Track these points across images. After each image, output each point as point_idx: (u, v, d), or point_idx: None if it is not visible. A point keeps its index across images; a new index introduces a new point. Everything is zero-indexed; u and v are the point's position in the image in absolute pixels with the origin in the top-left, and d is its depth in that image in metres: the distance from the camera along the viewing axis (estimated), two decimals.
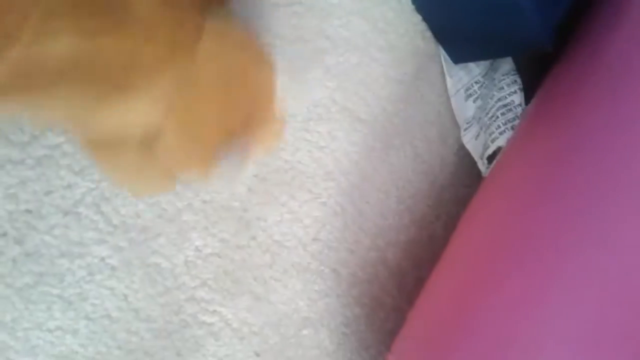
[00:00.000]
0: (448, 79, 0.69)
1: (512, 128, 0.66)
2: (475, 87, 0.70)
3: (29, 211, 0.48)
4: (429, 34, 0.67)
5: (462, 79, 0.70)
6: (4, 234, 0.47)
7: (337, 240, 0.64)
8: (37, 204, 0.48)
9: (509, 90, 0.68)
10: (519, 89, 0.67)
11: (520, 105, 0.67)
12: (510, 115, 0.67)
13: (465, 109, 0.71)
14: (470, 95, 0.70)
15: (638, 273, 0.40)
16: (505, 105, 0.67)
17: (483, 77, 0.71)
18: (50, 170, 0.48)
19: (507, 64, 0.69)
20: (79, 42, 0.36)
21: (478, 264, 0.48)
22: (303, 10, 0.59)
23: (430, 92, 0.69)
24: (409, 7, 0.66)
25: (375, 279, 0.68)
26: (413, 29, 0.66)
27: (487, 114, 0.68)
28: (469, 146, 0.71)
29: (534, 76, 0.67)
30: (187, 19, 0.41)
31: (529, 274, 0.43)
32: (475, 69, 0.71)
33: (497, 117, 0.67)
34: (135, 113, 0.40)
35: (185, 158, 0.43)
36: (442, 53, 0.69)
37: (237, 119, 0.43)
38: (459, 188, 0.72)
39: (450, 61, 0.69)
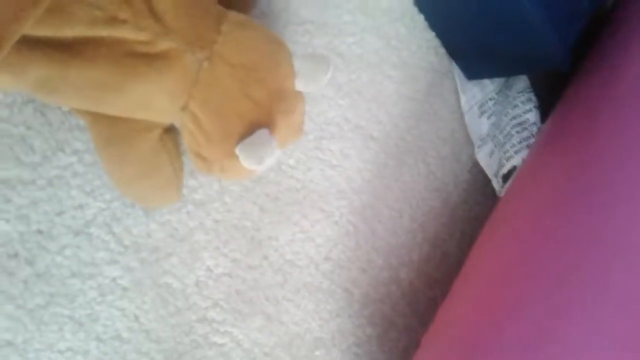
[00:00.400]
0: (461, 95, 0.69)
1: (528, 147, 0.66)
2: (490, 103, 0.70)
3: (40, 232, 0.47)
4: (442, 50, 0.67)
5: (475, 95, 0.70)
6: (15, 255, 0.47)
7: (349, 259, 0.63)
8: (49, 224, 0.47)
9: (524, 108, 0.67)
10: (535, 107, 0.67)
11: (535, 123, 0.66)
12: (525, 134, 0.66)
13: (479, 126, 0.70)
14: (484, 112, 0.70)
15: None
16: (520, 124, 0.67)
17: (497, 94, 0.70)
18: (62, 190, 0.48)
19: (521, 82, 0.69)
20: (98, 26, 0.37)
21: (497, 290, 0.47)
22: (314, 28, 0.59)
23: (444, 109, 0.69)
24: (422, 24, 0.65)
25: (387, 299, 0.67)
26: (426, 46, 0.66)
27: (502, 131, 0.68)
28: (483, 164, 0.70)
29: (550, 94, 0.66)
30: (207, 15, 0.42)
31: (552, 302, 0.41)
32: (490, 86, 0.70)
33: (512, 135, 0.66)
34: (155, 102, 0.41)
35: (208, 148, 0.43)
36: (456, 69, 0.68)
37: (258, 113, 0.43)
38: (473, 206, 0.72)
39: (463, 77, 0.69)
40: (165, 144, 0.46)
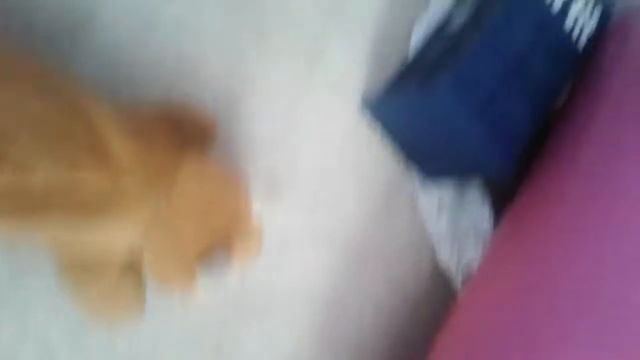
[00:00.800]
0: (421, 195, 0.71)
1: (484, 246, 0.68)
2: (447, 199, 0.72)
3: None
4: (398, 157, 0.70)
5: (434, 196, 0.72)
6: None
7: None
8: None
9: (478, 211, 0.70)
10: (488, 209, 0.70)
11: (489, 225, 0.69)
12: (481, 235, 0.69)
13: (438, 229, 0.72)
14: (442, 209, 0.72)
15: None
16: (475, 227, 0.69)
17: (455, 191, 0.73)
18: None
19: (475, 190, 0.72)
20: (59, 172, 0.39)
21: None
22: (269, 146, 0.62)
23: (404, 211, 0.71)
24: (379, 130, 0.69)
25: None
26: (384, 152, 0.69)
27: (459, 231, 0.70)
28: (443, 264, 0.72)
29: (504, 194, 0.69)
30: (165, 156, 0.45)
31: None
32: (448, 190, 0.73)
33: (469, 236, 0.69)
34: (117, 236, 0.42)
35: (168, 273, 0.45)
36: (414, 173, 0.71)
37: (215, 236, 0.45)
38: (435, 305, 0.73)
39: (421, 180, 0.71)
40: (129, 267, 0.47)
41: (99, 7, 0.51)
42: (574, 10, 0.68)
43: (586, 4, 0.69)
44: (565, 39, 0.66)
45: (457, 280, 0.70)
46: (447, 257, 0.71)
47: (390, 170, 0.70)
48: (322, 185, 0.64)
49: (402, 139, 0.68)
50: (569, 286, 0.46)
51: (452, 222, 0.71)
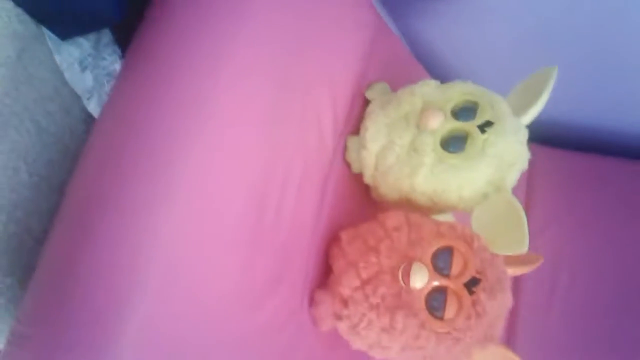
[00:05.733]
0: (56, 55, 0.73)
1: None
2: (89, 59, 0.76)
3: None
4: (27, 17, 0.70)
5: (72, 53, 0.75)
6: None
7: None
8: None
9: (110, 60, 0.76)
10: (119, 57, 0.76)
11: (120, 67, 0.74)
12: (113, 82, 0.72)
13: (83, 81, 0.76)
14: (85, 68, 0.76)
15: None
16: (109, 74, 0.75)
17: (93, 49, 0.76)
18: None
19: (106, 36, 0.77)
20: None
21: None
22: None
23: (41, 70, 0.72)
24: None
25: (22, 249, 0.71)
26: (7, 15, 0.68)
27: (99, 82, 0.75)
28: (95, 113, 0.77)
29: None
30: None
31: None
32: (86, 43, 0.76)
33: (104, 84, 0.75)
34: None
35: None
36: (47, 32, 0.72)
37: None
38: None
39: (55, 38, 0.73)
40: None
41: None
42: None
43: None
44: None
45: None
46: (96, 107, 0.76)
47: (19, 32, 0.69)
48: None
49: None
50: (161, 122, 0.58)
51: (95, 78, 0.76)
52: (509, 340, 0.99)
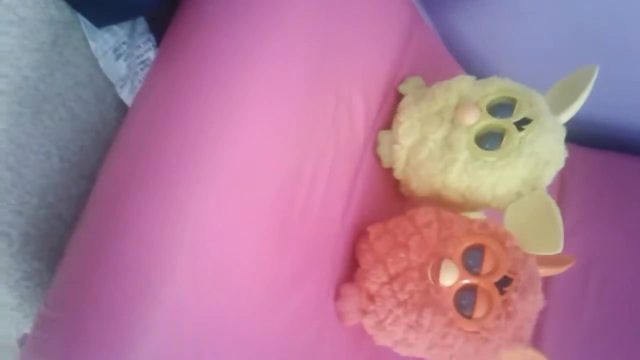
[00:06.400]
0: (91, 42, 0.73)
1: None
2: (124, 47, 0.76)
3: None
4: (62, 3, 0.70)
5: (107, 41, 0.75)
6: None
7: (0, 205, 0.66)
8: None
9: (145, 48, 0.75)
10: (153, 46, 0.75)
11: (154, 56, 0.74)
12: (147, 70, 0.73)
13: (117, 69, 0.76)
14: (120, 56, 0.76)
15: None
16: (143, 62, 0.75)
17: (128, 37, 0.76)
18: None
19: (142, 25, 0.76)
20: None
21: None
22: None
23: (76, 56, 0.72)
24: None
25: (51, 233, 0.71)
26: (44, 0, 0.67)
27: (132, 70, 0.75)
28: (128, 101, 0.77)
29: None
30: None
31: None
32: (121, 31, 0.76)
33: (137, 72, 0.75)
34: None
35: None
36: (82, 19, 0.72)
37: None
38: None
39: (91, 26, 0.73)
40: None
41: None
42: None
43: None
44: None
45: None
46: (129, 94, 0.76)
47: (55, 18, 0.69)
48: None
49: None
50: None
51: (129, 66, 0.75)
52: (536, 341, 0.97)
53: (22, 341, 0.70)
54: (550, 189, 0.70)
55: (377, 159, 0.77)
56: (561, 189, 1.11)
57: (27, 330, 0.70)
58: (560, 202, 0.67)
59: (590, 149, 1.17)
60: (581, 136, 1.07)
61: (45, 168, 0.70)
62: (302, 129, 0.64)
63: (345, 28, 0.70)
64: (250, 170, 0.60)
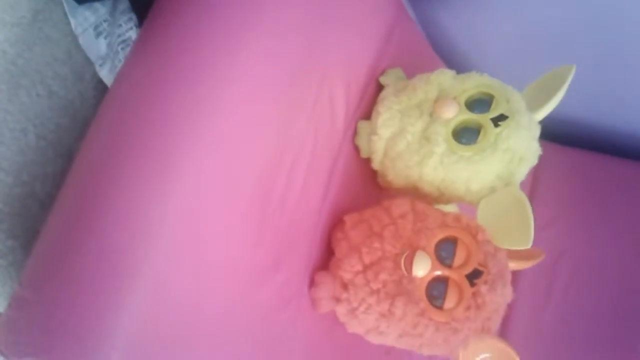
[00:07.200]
0: (71, 19, 0.73)
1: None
2: (104, 25, 0.75)
3: None
4: None
5: (88, 18, 0.74)
6: None
7: None
8: None
9: (126, 27, 0.74)
10: (135, 25, 0.75)
11: (134, 40, 0.73)
12: (128, 50, 0.73)
13: (97, 47, 0.75)
14: (100, 34, 0.75)
15: None
16: (124, 41, 0.74)
17: (110, 15, 0.76)
18: None
19: (123, 3, 0.76)
20: None
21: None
22: None
23: (56, 33, 0.71)
24: None
25: (25, 212, 0.71)
26: None
27: (112, 49, 0.75)
28: (107, 80, 0.77)
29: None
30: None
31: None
32: (102, 9, 0.75)
33: (118, 52, 0.74)
34: None
35: None
36: None
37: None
38: None
39: (72, 2, 0.72)
40: None
41: None
42: None
43: None
44: None
45: None
46: (109, 73, 0.76)
47: None
48: None
49: None
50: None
51: (109, 44, 0.75)
52: (504, 333, 0.99)
53: None
54: (523, 185, 0.72)
55: (356, 148, 0.78)
56: (533, 185, 1.13)
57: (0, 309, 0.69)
58: (531, 198, 0.68)
59: (562, 146, 1.19)
60: (555, 134, 1.09)
61: (21, 145, 0.69)
62: (282, 118, 0.65)
63: (329, 17, 0.70)
64: (231, 155, 0.60)
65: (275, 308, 0.67)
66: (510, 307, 0.66)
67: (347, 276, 0.65)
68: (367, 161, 0.78)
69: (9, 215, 0.69)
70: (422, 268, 0.61)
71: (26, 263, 0.64)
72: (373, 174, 0.79)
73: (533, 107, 0.71)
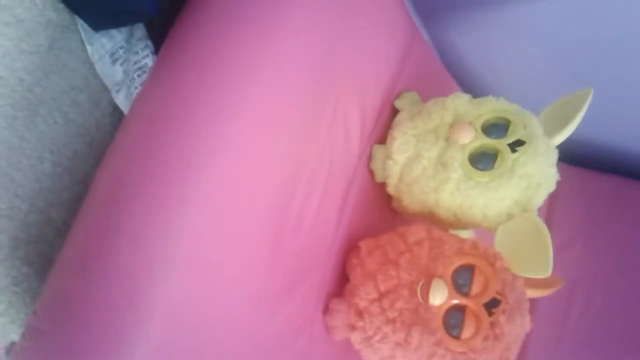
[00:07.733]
0: (88, 46, 0.73)
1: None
2: (120, 52, 0.76)
3: None
4: (61, 5, 0.69)
5: (105, 45, 0.75)
6: None
7: None
8: None
9: (142, 54, 0.75)
10: (151, 52, 0.76)
11: (151, 67, 0.74)
12: (145, 77, 0.74)
13: (113, 73, 0.76)
14: (116, 60, 0.75)
15: None
16: (140, 68, 0.75)
17: (126, 42, 0.76)
18: None
19: (140, 31, 0.76)
20: None
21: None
22: None
23: (72, 60, 0.72)
24: None
25: (41, 239, 0.70)
26: (42, 2, 0.67)
27: (128, 76, 0.75)
28: (123, 107, 0.77)
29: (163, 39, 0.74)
30: None
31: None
32: (118, 35, 0.76)
33: (134, 79, 0.74)
34: None
35: None
36: (80, 22, 0.72)
37: None
38: None
39: (89, 29, 0.73)
40: None
41: None
42: None
43: None
44: None
45: None
46: (125, 100, 0.76)
47: (53, 20, 0.68)
48: None
49: None
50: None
51: (125, 71, 0.75)
52: None
53: (9, 349, 0.69)
54: (539, 210, 0.71)
55: (371, 173, 0.77)
56: (549, 209, 1.11)
57: (13, 336, 0.69)
58: (548, 222, 0.67)
59: (578, 168, 1.18)
60: (572, 156, 1.08)
61: (38, 172, 0.69)
62: (300, 139, 0.65)
63: (346, 40, 0.70)
64: (247, 178, 0.60)
65: (289, 334, 0.66)
66: (528, 335, 0.65)
67: (362, 304, 0.64)
68: (382, 185, 0.77)
69: (24, 242, 0.68)
70: (439, 297, 0.60)
71: (41, 290, 0.64)
72: (388, 198, 0.79)
73: (550, 131, 0.70)
